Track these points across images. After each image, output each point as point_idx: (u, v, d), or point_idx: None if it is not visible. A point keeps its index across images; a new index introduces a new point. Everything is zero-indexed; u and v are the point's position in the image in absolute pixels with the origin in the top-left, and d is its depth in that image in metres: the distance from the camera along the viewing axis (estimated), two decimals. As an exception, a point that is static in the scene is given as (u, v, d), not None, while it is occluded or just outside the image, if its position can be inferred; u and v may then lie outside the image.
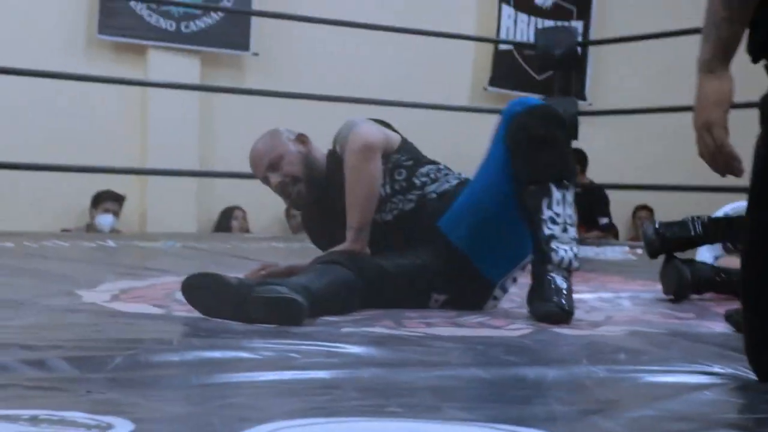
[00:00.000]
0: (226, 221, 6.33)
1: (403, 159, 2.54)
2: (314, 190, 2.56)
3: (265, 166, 2.54)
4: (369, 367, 1.53)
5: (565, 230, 2.25)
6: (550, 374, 1.51)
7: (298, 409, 1.22)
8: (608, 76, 7.58)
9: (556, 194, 2.26)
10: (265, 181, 2.57)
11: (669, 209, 5.53)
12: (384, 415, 1.20)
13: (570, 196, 2.29)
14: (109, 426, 1.11)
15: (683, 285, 2.74)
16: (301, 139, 2.60)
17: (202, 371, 1.46)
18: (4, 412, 1.14)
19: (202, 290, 2.03)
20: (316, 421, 1.16)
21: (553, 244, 2.23)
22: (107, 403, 1.23)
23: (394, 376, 1.47)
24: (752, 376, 1.50)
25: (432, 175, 2.55)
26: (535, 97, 2.42)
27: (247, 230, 6.32)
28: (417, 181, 2.52)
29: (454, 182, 2.53)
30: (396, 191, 2.50)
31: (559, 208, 2.25)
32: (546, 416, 1.22)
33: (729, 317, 1.85)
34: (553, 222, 2.24)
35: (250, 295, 1.97)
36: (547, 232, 2.23)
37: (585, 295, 2.79)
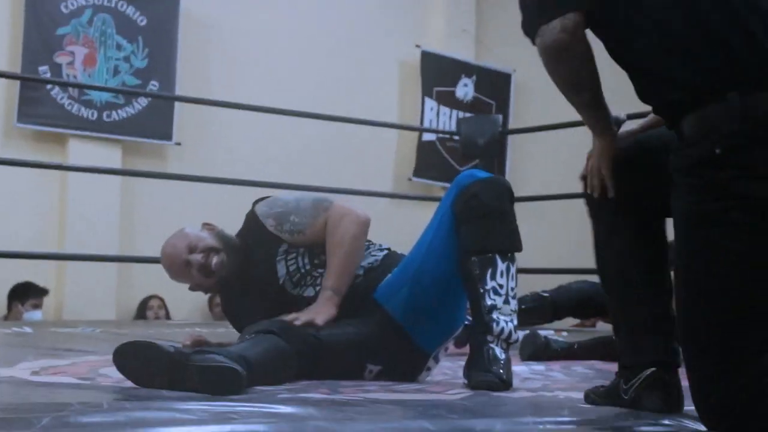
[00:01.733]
0: (144, 308, 6.19)
1: None
2: (235, 258, 2.56)
3: (184, 252, 2.55)
4: (310, 421, 1.47)
5: (506, 302, 2.24)
6: (497, 425, 1.48)
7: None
8: (525, 166, 7.74)
9: (501, 265, 2.25)
10: (186, 268, 2.56)
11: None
12: None
13: (514, 269, 2.29)
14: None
15: (537, 350, 3.08)
16: (208, 226, 2.66)
17: (137, 425, 1.39)
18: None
19: (135, 358, 1.93)
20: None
21: (494, 315, 2.21)
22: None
23: (340, 428, 1.42)
24: (701, 427, 1.50)
25: None
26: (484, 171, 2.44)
27: (165, 318, 6.18)
28: None
29: (380, 255, 2.54)
30: (316, 265, 2.50)
31: (503, 280, 2.25)
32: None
33: (587, 397, 1.86)
34: (496, 293, 2.23)
35: (187, 363, 1.89)
36: (489, 302, 2.22)
37: (517, 367, 2.78)
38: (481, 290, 2.23)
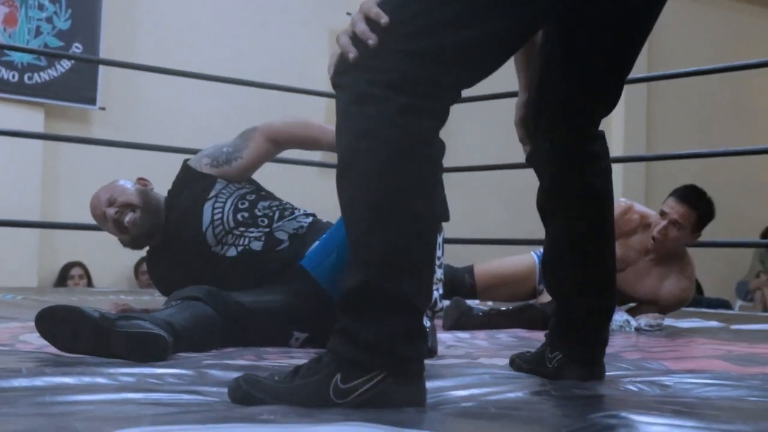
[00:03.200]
0: (65, 277, 6.08)
1: (247, 189, 2.62)
2: (149, 218, 2.62)
3: (104, 204, 2.63)
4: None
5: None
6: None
7: (167, 418, 1.16)
8: (455, 136, 7.77)
9: None
10: (104, 220, 2.64)
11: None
12: (257, 422, 1.16)
13: (440, 239, 2.30)
14: (-43, 437, 1.02)
15: (461, 317, 3.13)
16: (141, 180, 2.75)
17: (56, 392, 1.37)
18: None
19: (59, 323, 1.90)
20: (187, 428, 1.10)
21: None
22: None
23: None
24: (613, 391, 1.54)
25: (276, 213, 2.57)
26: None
27: (87, 285, 6.08)
28: (259, 213, 2.55)
29: (306, 222, 2.56)
30: (239, 223, 2.52)
31: None
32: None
33: (512, 362, 1.90)
34: None
35: (112, 329, 1.86)
36: None
37: (443, 335, 2.82)
38: None
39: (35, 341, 2.20)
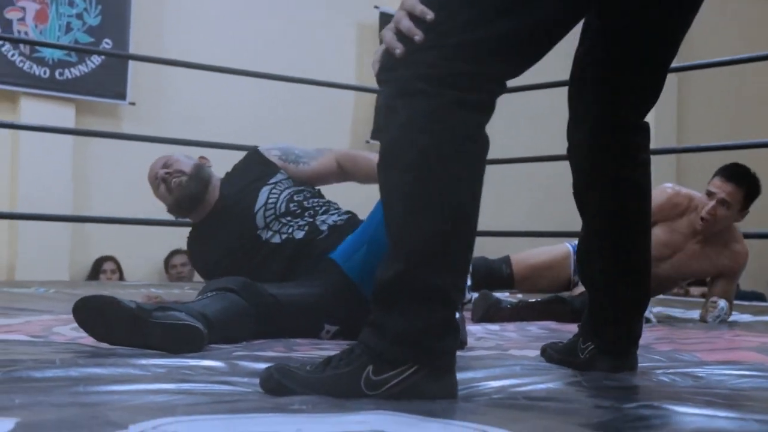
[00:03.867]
0: (97, 271, 6.13)
1: (304, 187, 2.77)
2: (196, 186, 2.74)
3: (159, 166, 2.80)
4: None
5: None
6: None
7: (199, 408, 1.16)
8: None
9: None
10: (156, 180, 2.79)
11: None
12: (288, 412, 1.16)
13: None
14: (-8, 425, 1.03)
15: (489, 309, 3.14)
16: (202, 158, 2.90)
17: (90, 383, 1.38)
18: None
19: (96, 313, 1.89)
20: (219, 417, 1.11)
21: None
22: (-12, 408, 1.14)
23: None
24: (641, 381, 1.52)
25: (321, 208, 2.67)
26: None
27: (119, 279, 6.13)
28: (308, 206, 2.65)
29: (345, 217, 2.60)
30: (289, 212, 2.60)
31: None
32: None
33: (543, 351, 1.89)
34: None
35: (148, 320, 1.87)
36: None
37: (472, 327, 2.81)
38: None
39: (68, 333, 2.22)
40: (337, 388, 1.30)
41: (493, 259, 3.71)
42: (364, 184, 2.90)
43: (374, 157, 2.79)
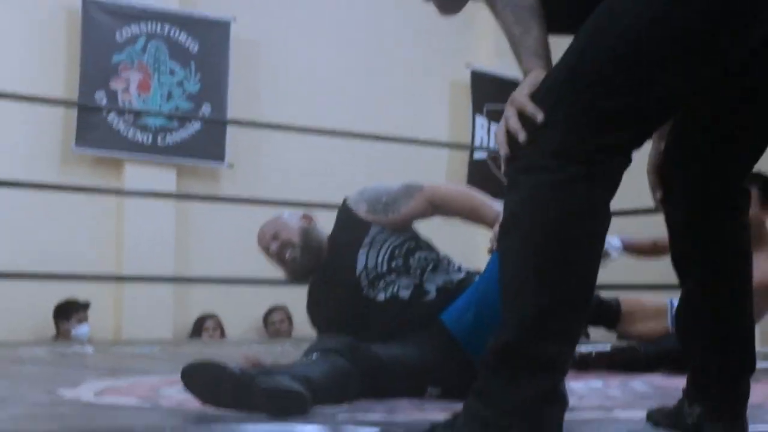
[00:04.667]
0: (200, 328, 6.25)
1: (404, 237, 2.66)
2: (309, 257, 2.71)
3: (268, 238, 2.77)
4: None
5: None
6: None
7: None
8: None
9: None
10: (267, 253, 2.80)
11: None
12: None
13: None
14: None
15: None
16: (306, 216, 2.85)
17: (201, 449, 1.41)
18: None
19: (203, 378, 1.95)
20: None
21: None
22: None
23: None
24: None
25: (430, 264, 2.59)
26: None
27: (221, 336, 6.24)
28: (413, 264, 2.57)
29: (456, 278, 2.56)
30: (392, 269, 2.56)
31: None
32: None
33: (649, 416, 1.83)
34: None
35: (252, 385, 1.91)
36: None
37: (574, 384, 2.76)
38: None
39: (176, 395, 2.27)
40: None
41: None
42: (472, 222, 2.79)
43: (473, 191, 2.76)
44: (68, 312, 5.72)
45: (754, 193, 3.35)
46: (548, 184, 1.31)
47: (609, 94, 1.33)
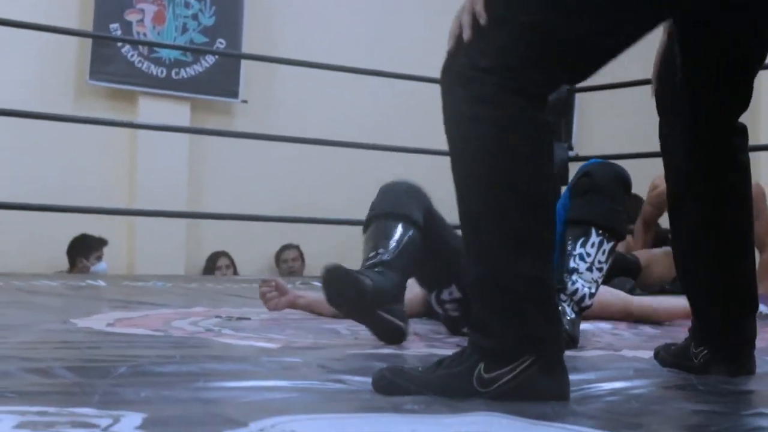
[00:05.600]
0: (213, 266, 6.29)
1: None
2: None
3: None
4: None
5: (590, 270, 2.24)
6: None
7: (315, 406, 1.19)
8: (592, 125, 7.64)
9: (594, 237, 2.25)
10: None
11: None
12: (402, 412, 1.18)
13: (607, 246, 2.28)
14: (119, 418, 1.07)
15: None
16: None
17: (209, 378, 1.43)
18: (9, 408, 1.11)
19: (338, 283, 2.00)
20: (335, 417, 1.14)
21: (574, 277, 2.22)
22: (115, 402, 1.20)
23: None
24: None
25: None
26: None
27: (233, 274, 6.29)
28: None
29: None
30: None
31: (592, 250, 2.25)
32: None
33: (656, 354, 1.84)
34: (582, 259, 2.24)
35: (375, 311, 2.04)
36: (572, 265, 2.23)
37: (585, 326, 2.77)
38: (568, 253, 2.24)
39: (187, 327, 2.30)
40: (449, 387, 1.31)
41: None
42: None
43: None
44: (87, 249, 5.73)
45: None
46: (478, 99, 1.32)
47: (548, 23, 1.32)
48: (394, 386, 1.34)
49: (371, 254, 2.16)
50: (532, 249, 1.31)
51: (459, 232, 1.41)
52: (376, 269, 2.09)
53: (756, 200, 3.72)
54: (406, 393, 1.31)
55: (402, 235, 2.18)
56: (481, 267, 1.33)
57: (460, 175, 1.36)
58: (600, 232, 2.27)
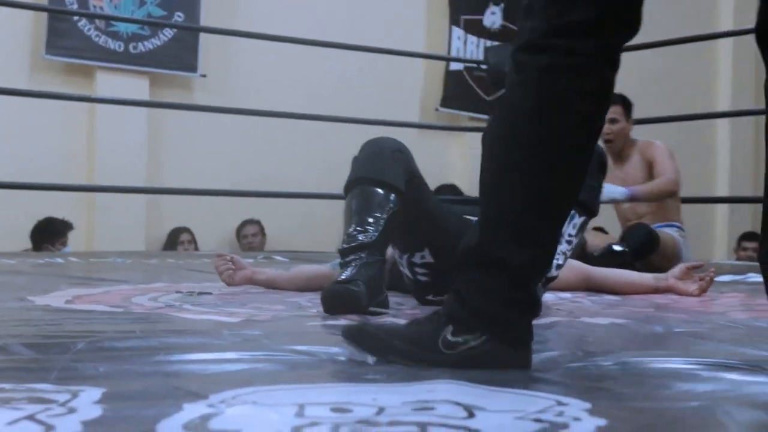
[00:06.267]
0: (174, 242, 6.25)
1: None
2: None
3: None
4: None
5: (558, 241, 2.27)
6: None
7: (276, 377, 1.19)
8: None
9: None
10: None
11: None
12: (364, 382, 1.18)
13: (578, 221, 2.29)
14: (77, 393, 1.06)
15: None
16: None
17: (169, 352, 1.42)
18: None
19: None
20: (296, 387, 1.13)
21: None
22: (73, 377, 1.18)
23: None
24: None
25: None
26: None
27: (194, 250, 6.26)
28: None
29: None
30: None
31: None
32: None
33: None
34: None
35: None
36: None
37: (546, 296, 2.79)
38: None
39: (146, 303, 2.28)
40: (415, 341, 1.32)
41: None
42: None
43: None
44: (52, 235, 5.55)
45: (617, 107, 4.09)
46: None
47: None
48: (363, 332, 1.35)
49: (352, 230, 2.15)
50: (525, 239, 1.31)
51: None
52: (361, 257, 2.12)
53: (662, 157, 4.17)
54: (373, 339, 1.32)
55: (383, 207, 2.17)
56: (473, 238, 1.33)
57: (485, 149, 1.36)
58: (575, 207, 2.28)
